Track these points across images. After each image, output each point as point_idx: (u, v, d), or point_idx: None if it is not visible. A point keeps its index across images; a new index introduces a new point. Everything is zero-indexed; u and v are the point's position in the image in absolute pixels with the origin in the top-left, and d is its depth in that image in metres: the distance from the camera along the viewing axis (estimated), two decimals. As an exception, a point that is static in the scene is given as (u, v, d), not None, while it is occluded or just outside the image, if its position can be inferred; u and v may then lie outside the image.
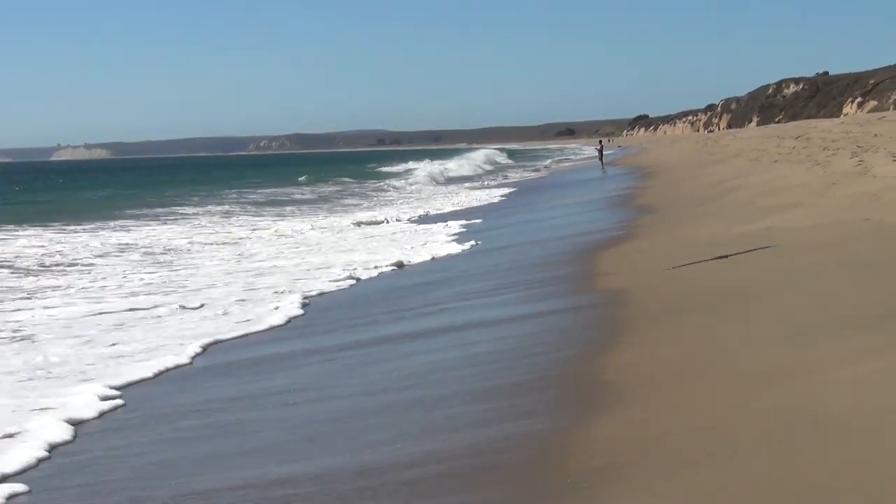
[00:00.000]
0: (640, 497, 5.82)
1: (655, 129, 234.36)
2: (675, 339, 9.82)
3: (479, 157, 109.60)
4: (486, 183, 64.42)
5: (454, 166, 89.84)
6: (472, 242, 23.05)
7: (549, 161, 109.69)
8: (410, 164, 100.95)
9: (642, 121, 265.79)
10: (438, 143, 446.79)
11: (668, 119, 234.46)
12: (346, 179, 79.64)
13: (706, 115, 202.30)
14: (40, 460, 8.05)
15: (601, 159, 71.41)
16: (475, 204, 41.69)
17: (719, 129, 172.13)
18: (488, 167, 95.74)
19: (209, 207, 48.59)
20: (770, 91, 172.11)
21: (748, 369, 8.05)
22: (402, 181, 72.39)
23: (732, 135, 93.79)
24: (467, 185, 63.76)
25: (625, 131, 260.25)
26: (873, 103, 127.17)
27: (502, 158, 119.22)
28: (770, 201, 21.15)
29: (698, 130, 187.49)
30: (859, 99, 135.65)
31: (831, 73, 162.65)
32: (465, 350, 10.96)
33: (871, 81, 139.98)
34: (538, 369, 9.38)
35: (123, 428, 9.14)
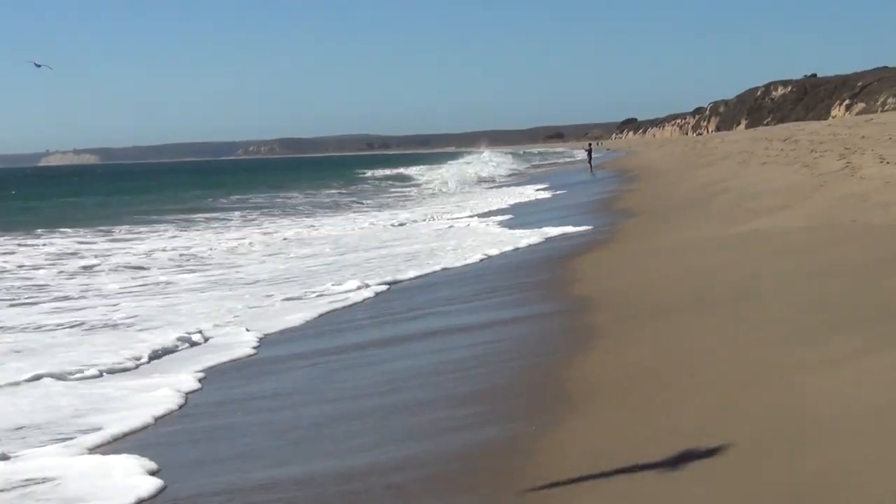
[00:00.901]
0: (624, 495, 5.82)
1: (644, 132, 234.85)
2: (662, 341, 9.82)
3: (494, 159, 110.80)
4: (517, 181, 64.94)
5: (473, 170, 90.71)
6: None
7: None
8: (426, 168, 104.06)
9: (631, 124, 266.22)
10: (427, 147, 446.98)
11: (657, 122, 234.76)
12: (369, 185, 78.94)
13: (695, 118, 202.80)
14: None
15: (590, 162, 71.84)
16: (525, 200, 42.31)
17: (708, 131, 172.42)
18: (506, 169, 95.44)
19: (286, 208, 49.93)
20: (758, 94, 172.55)
21: (732, 371, 8.05)
22: (435, 183, 73.15)
23: (721, 137, 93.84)
24: (494, 184, 64.47)
25: (613, 134, 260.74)
26: (861, 105, 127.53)
27: (510, 160, 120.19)
28: (758, 203, 21.17)
29: (687, 133, 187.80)
30: (847, 101, 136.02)
31: (819, 75, 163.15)
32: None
33: (859, 84, 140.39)
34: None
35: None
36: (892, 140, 31.33)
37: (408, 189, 66.40)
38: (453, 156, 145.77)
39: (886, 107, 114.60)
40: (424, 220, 34.75)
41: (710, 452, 6.20)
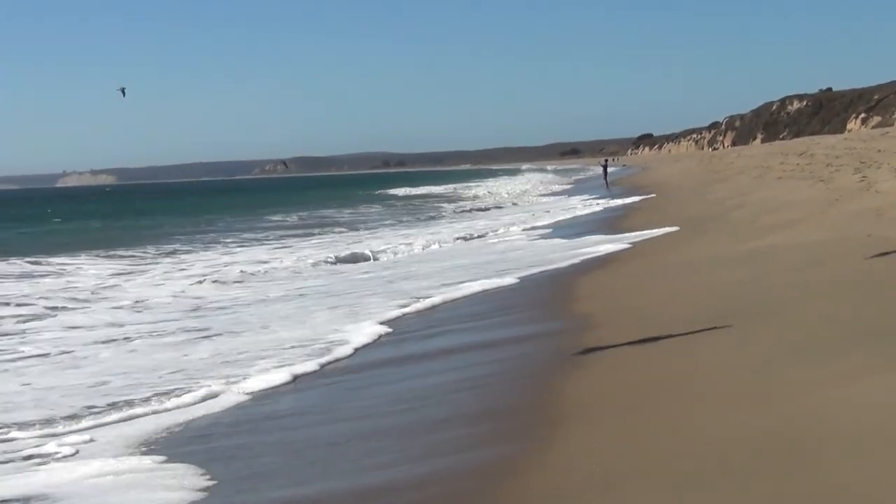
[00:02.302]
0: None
1: (660, 147, 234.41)
2: (671, 358, 9.83)
3: (543, 176, 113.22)
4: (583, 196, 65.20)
5: (526, 185, 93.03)
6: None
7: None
8: (475, 183, 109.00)
9: (647, 139, 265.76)
10: (441, 165, 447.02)
11: (673, 137, 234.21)
12: (416, 201, 79.41)
13: (710, 132, 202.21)
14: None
15: (605, 178, 71.44)
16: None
17: (724, 146, 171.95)
18: (560, 184, 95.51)
19: (379, 221, 51.68)
20: (774, 108, 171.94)
21: (741, 389, 8.05)
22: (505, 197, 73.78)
23: (737, 152, 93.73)
24: (560, 198, 64.64)
25: (629, 150, 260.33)
26: (877, 119, 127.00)
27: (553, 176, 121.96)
28: (773, 219, 21.16)
29: (703, 148, 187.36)
30: (863, 115, 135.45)
31: (835, 88, 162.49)
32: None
33: (875, 97, 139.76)
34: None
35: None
36: (908, 153, 31.29)
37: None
38: (493, 173, 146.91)
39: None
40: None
41: (714, 471, 6.22)
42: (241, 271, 25.69)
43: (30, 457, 8.90)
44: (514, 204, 60.46)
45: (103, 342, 15.26)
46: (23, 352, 14.76)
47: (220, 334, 15.18)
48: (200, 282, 24.02)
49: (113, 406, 10.63)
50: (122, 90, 18.35)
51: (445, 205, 66.24)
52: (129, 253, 35.31)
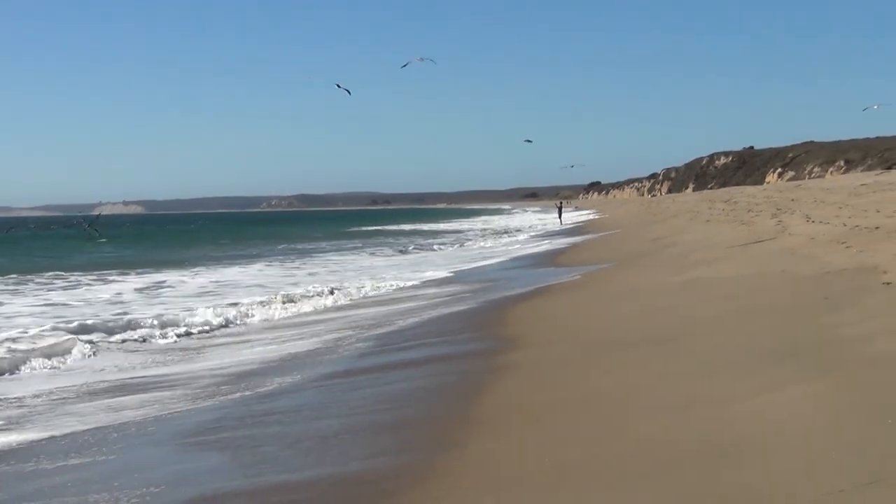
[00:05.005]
0: None
1: (607, 193, 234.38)
2: (601, 373, 9.74)
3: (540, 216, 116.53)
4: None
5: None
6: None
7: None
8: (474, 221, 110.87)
9: (596, 186, 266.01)
10: (422, 203, 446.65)
11: (618, 185, 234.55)
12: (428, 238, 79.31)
13: (650, 181, 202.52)
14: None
15: (560, 216, 76.51)
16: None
17: (661, 193, 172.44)
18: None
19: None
20: (704, 162, 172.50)
21: (660, 401, 8.04)
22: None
23: (672, 199, 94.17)
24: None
25: (581, 195, 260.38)
26: (791, 173, 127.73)
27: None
28: (701, 255, 21.24)
29: (643, 195, 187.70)
30: (780, 169, 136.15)
31: (756, 147, 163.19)
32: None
33: (790, 155, 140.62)
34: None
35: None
36: (817, 202, 31.48)
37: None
38: (476, 212, 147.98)
39: (813, 174, 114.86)
40: None
41: (628, 474, 6.22)
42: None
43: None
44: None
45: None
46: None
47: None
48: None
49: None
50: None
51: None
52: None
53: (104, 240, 72.92)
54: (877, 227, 18.25)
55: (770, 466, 5.85)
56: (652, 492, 5.80)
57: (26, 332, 16.76)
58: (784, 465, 5.81)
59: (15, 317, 20.96)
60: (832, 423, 6.49)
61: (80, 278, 33.02)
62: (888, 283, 11.74)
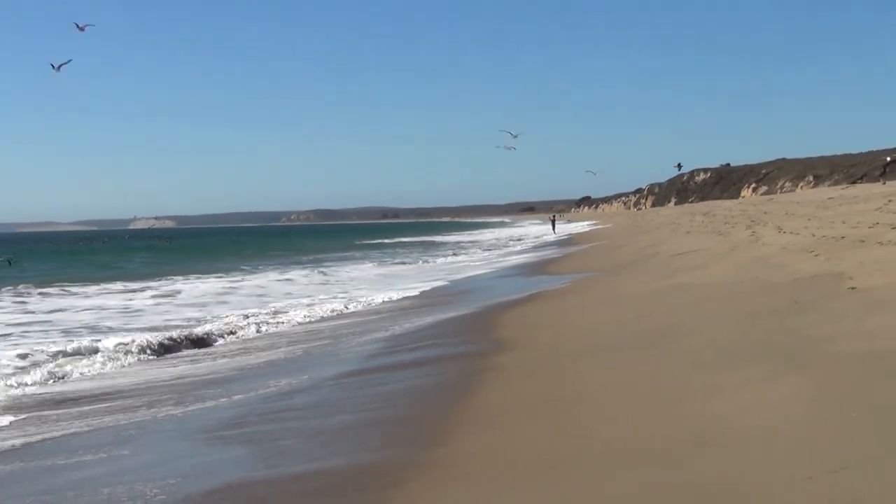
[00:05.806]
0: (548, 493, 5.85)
1: (596, 206, 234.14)
2: (591, 373, 9.73)
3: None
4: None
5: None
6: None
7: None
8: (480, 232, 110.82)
9: (586, 200, 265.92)
10: (427, 217, 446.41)
11: (607, 199, 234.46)
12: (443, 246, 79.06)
13: (636, 196, 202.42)
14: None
15: (553, 228, 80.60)
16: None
17: (646, 207, 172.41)
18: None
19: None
20: (685, 178, 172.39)
21: (647, 395, 8.04)
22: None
23: (656, 212, 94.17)
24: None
25: (573, 208, 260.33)
26: (765, 188, 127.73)
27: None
28: (682, 263, 21.20)
29: (629, 208, 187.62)
30: (754, 185, 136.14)
31: (732, 164, 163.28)
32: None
33: (763, 171, 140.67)
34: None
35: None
36: (788, 215, 31.44)
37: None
38: (479, 225, 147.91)
39: (784, 189, 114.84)
40: None
41: (627, 460, 6.22)
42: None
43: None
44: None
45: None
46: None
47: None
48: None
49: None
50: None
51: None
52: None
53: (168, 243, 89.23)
54: (843, 237, 18.23)
55: (746, 456, 5.86)
56: (639, 482, 5.80)
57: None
58: (759, 455, 5.82)
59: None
60: (802, 417, 6.50)
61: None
62: (853, 289, 11.73)
